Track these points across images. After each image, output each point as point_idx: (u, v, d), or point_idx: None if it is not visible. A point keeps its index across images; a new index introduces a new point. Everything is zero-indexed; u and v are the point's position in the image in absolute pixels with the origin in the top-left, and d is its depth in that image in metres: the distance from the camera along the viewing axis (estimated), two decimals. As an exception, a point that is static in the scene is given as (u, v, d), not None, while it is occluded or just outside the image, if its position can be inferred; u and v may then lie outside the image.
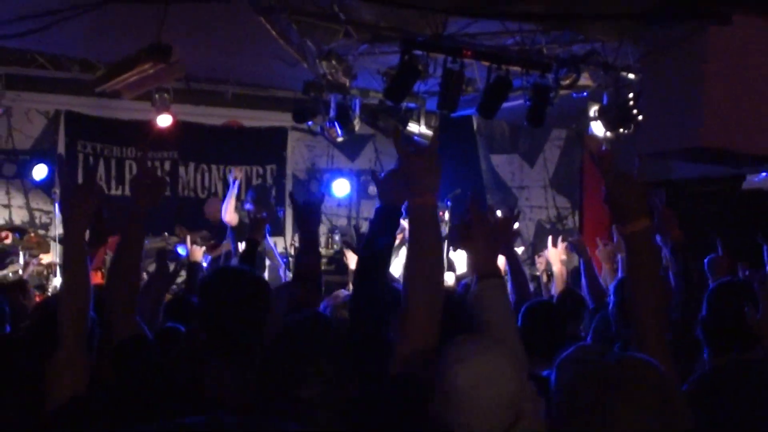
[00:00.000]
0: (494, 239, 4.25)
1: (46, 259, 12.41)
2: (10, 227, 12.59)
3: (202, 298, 3.93)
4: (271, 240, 12.62)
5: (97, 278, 11.93)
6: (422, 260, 3.64)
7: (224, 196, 12.63)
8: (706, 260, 7.43)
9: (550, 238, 8.69)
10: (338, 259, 13.83)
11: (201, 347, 3.76)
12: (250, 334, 3.72)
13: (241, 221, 12.09)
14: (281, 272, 12.39)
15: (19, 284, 8.92)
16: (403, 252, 11.17)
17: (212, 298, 3.83)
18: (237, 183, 12.53)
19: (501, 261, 6.36)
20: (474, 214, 3.98)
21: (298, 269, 5.85)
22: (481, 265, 4.14)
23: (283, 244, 14.73)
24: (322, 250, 13.96)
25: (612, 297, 5.70)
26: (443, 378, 2.93)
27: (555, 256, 8.53)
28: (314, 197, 6.03)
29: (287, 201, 15.10)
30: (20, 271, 11.92)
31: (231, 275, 4.31)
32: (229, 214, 12.00)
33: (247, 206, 12.47)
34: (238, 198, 12.41)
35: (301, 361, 3.26)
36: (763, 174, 11.42)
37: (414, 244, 3.71)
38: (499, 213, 6.45)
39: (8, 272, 11.89)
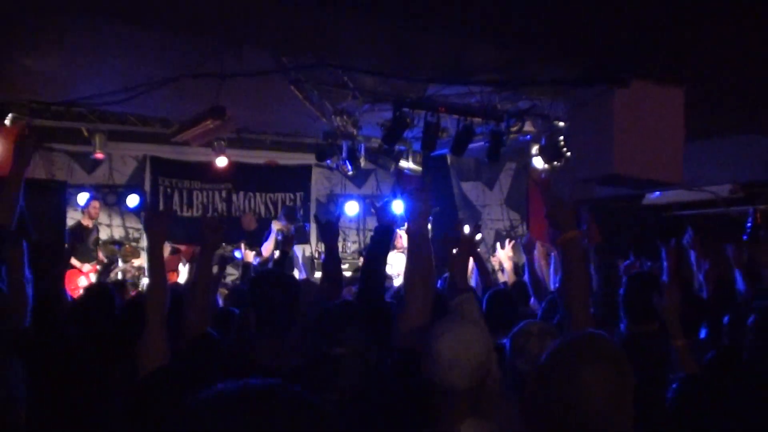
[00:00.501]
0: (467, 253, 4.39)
1: (137, 263, 12.44)
2: (112, 241, 12.63)
3: (252, 289, 4.00)
4: (298, 249, 12.67)
5: (173, 278, 12.06)
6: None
7: (267, 232, 12.63)
8: (622, 265, 7.47)
9: (498, 244, 8.79)
10: (350, 261, 13.85)
11: (252, 325, 3.82)
12: (286, 315, 3.80)
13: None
14: (301, 273, 12.47)
15: (120, 284, 8.98)
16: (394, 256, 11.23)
17: (260, 290, 3.91)
18: (274, 231, 12.66)
19: (470, 261, 6.44)
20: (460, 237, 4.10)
21: (325, 271, 5.91)
22: (459, 281, 4.38)
23: (309, 250, 14.77)
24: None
25: (553, 288, 5.78)
26: (431, 346, 2.98)
27: (504, 255, 8.61)
28: (332, 218, 6.10)
29: (312, 219, 15.19)
30: (120, 274, 11.97)
31: (272, 274, 4.43)
32: (267, 251, 12.08)
33: (281, 221, 12.53)
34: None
35: (336, 330, 3.39)
36: (657, 193, 11.48)
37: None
38: (467, 227, 6.46)
39: (114, 276, 11.95)
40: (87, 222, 12.09)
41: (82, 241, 11.75)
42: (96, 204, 12.28)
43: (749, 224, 9.23)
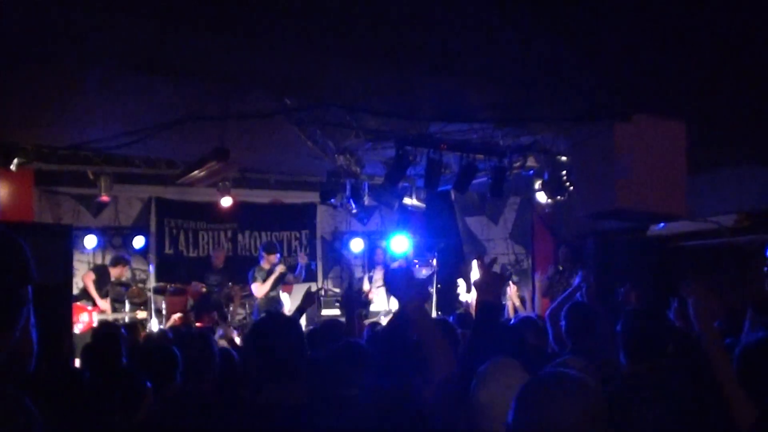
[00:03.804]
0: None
1: (140, 315, 12.42)
2: (119, 282, 12.64)
3: (255, 335, 3.97)
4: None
5: (181, 318, 12.08)
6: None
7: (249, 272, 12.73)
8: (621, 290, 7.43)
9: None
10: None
11: (257, 371, 3.80)
12: (291, 360, 3.75)
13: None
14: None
15: (132, 326, 9.02)
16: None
17: (263, 336, 3.88)
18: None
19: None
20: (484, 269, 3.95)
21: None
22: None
23: (315, 287, 14.78)
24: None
25: (563, 321, 5.76)
26: (470, 395, 3.00)
27: (513, 293, 8.67)
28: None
29: (318, 255, 15.24)
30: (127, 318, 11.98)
31: (275, 319, 4.37)
32: (262, 293, 12.24)
33: (261, 261, 12.53)
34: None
35: (346, 371, 3.39)
36: (662, 224, 11.47)
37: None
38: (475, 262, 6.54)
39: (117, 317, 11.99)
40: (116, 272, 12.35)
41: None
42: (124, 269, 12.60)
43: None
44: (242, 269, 13.12)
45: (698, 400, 4.07)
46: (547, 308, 7.71)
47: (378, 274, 13.52)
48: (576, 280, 6.35)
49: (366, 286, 13.35)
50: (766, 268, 7.82)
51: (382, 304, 12.88)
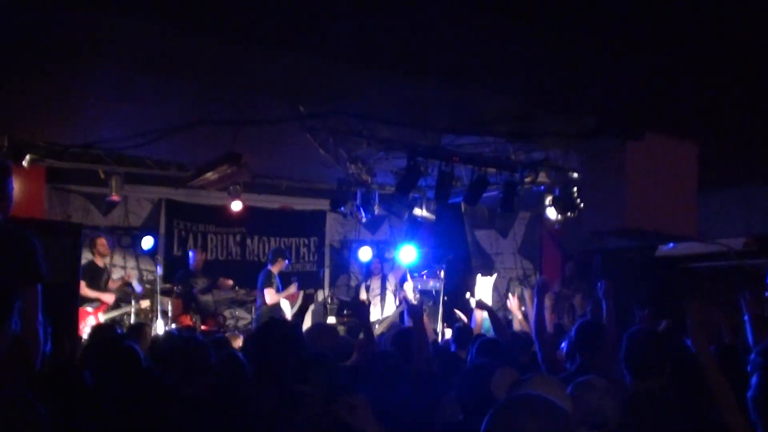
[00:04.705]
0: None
1: (144, 304, 12.25)
2: (127, 282, 12.59)
3: (251, 342, 3.97)
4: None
5: (185, 321, 12.06)
6: None
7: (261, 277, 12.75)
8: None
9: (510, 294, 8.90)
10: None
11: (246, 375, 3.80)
12: (289, 366, 3.74)
13: None
14: None
15: (138, 327, 8.99)
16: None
17: (260, 343, 3.88)
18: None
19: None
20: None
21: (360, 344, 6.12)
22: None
23: (322, 295, 14.78)
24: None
25: (573, 333, 5.79)
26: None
27: (514, 305, 8.66)
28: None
29: (326, 263, 15.23)
30: (133, 317, 11.91)
31: (273, 327, 4.35)
32: (274, 299, 12.30)
33: (269, 265, 12.58)
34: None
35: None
36: (671, 244, 11.44)
37: None
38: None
39: (122, 311, 11.94)
40: (99, 261, 12.01)
41: (95, 280, 11.76)
42: (103, 241, 12.06)
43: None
44: (250, 274, 13.12)
45: (697, 420, 4.07)
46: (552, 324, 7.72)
47: (375, 283, 13.51)
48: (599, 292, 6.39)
49: (363, 296, 13.33)
50: (766, 293, 7.78)
51: (376, 313, 12.88)
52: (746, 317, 6.46)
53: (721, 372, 3.91)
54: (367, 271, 14.51)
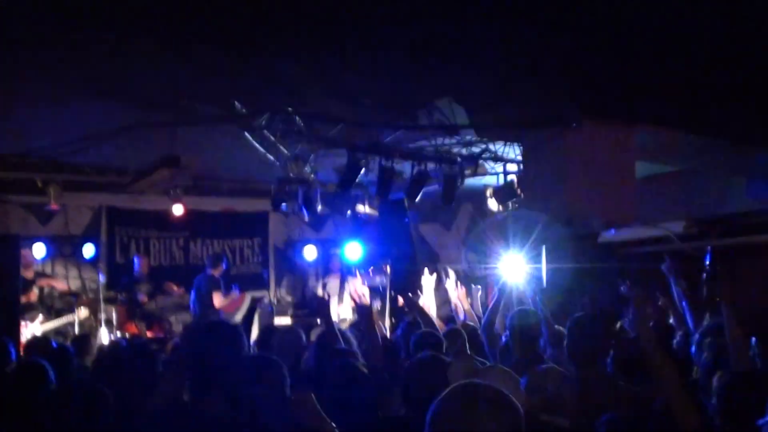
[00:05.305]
0: None
1: (83, 314, 11.96)
2: (70, 292, 12.41)
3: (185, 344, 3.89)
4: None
5: (131, 329, 11.91)
6: None
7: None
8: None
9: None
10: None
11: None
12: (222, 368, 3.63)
13: None
14: None
15: (83, 338, 8.86)
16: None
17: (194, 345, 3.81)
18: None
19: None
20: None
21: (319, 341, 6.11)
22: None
23: (268, 297, 14.71)
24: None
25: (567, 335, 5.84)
26: None
27: (462, 295, 8.68)
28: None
29: (271, 263, 15.16)
30: (77, 327, 11.66)
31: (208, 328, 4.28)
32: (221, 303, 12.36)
33: (209, 270, 12.54)
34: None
35: None
36: (612, 230, 11.55)
37: None
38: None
39: (63, 321, 11.67)
40: (24, 273, 11.43)
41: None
42: (24, 253, 11.56)
43: (708, 261, 9.29)
44: (194, 278, 13.02)
45: (643, 402, 4.12)
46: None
47: (333, 282, 13.49)
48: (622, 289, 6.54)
49: (320, 292, 13.31)
50: (704, 275, 7.91)
51: (334, 314, 12.84)
52: (684, 303, 6.56)
53: (664, 352, 3.95)
54: (325, 270, 14.50)
